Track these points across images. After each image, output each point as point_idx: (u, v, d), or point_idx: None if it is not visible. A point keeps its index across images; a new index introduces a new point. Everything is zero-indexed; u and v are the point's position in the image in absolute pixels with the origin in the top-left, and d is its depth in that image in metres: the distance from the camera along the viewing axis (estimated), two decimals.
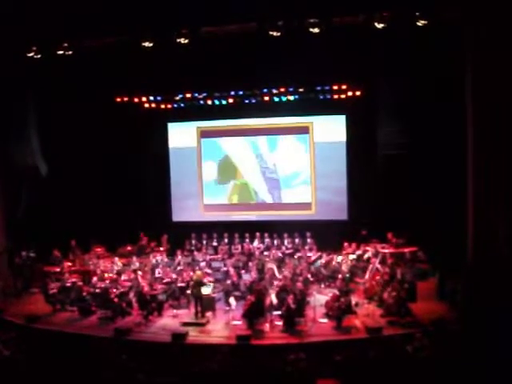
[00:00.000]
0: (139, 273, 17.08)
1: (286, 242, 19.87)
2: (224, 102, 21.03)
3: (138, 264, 18.24)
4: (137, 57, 16.48)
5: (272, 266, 17.18)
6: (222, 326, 14.44)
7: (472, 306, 13.18)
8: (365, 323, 13.80)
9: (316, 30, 14.47)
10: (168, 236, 20.85)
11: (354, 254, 17.96)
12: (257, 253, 18.97)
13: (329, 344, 12.87)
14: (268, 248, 19.46)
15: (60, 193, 20.07)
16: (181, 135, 22.70)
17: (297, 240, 19.80)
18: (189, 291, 15.71)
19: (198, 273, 15.85)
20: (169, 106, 21.71)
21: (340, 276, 15.93)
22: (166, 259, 18.82)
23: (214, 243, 20.51)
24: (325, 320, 14.28)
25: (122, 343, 13.51)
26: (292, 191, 21.91)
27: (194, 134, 22.52)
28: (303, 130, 21.56)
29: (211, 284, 16.07)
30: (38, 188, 20.01)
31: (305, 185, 21.73)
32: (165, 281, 16.50)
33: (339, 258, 17.59)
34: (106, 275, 17.13)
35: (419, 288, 15.03)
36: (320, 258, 17.95)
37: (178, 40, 15.11)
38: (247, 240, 20.05)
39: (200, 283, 15.17)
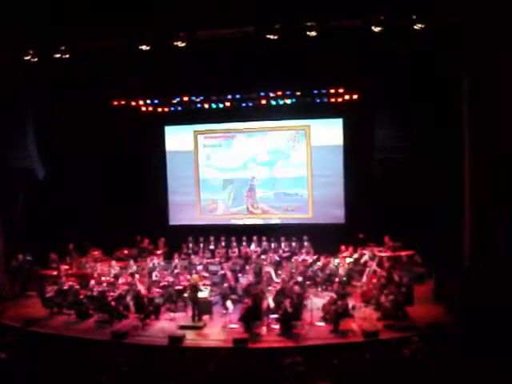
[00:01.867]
0: (136, 276, 17.10)
1: (283, 245, 19.87)
2: (221, 106, 21.02)
3: (135, 267, 18.25)
4: (134, 60, 16.46)
5: (269, 269, 17.20)
6: (219, 329, 14.45)
7: (470, 309, 13.19)
8: (362, 327, 13.81)
9: (313, 34, 14.48)
10: (165, 239, 20.85)
11: (350, 257, 17.99)
12: (254, 256, 18.98)
13: (326, 347, 12.89)
14: (265, 251, 19.45)
15: (57, 196, 20.06)
16: (178, 139, 22.71)
17: (294, 243, 19.81)
18: (186, 294, 15.73)
19: (195, 276, 15.88)
20: (166, 110, 21.69)
21: (337, 279, 15.95)
22: (163, 262, 18.84)
23: (211, 246, 20.51)
24: (322, 323, 14.29)
25: (119, 346, 13.50)
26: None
27: (191, 138, 22.53)
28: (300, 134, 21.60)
29: (208, 287, 16.09)
30: (35, 191, 19.99)
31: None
32: (162, 284, 16.49)
33: (336, 262, 17.61)
34: (103, 278, 17.14)
35: (416, 291, 15.03)
36: (317, 261, 17.97)
37: (175, 43, 15.11)
38: (244, 243, 20.05)
39: (196, 287, 15.18)
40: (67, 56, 15.87)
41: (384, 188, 19.19)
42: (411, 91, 17.78)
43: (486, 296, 13.01)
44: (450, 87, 15.21)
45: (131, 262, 18.53)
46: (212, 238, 20.81)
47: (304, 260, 18.18)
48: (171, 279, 16.77)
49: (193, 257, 19.34)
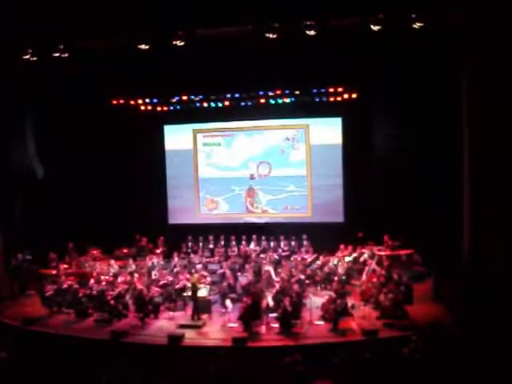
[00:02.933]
0: (135, 275, 17.09)
1: (282, 244, 19.88)
2: (220, 105, 21.02)
3: (134, 266, 18.26)
4: (133, 59, 16.44)
5: (268, 268, 17.20)
6: (219, 328, 14.45)
7: (469, 308, 13.19)
8: (361, 325, 13.82)
9: (312, 33, 14.47)
10: (164, 238, 20.84)
11: (350, 256, 17.99)
12: (253, 255, 18.99)
13: (325, 346, 12.87)
14: (264, 250, 19.46)
15: (56, 195, 20.05)
16: (177, 137, 22.69)
17: (293, 242, 19.81)
18: (185, 294, 15.76)
19: (195, 275, 15.90)
20: (165, 109, 21.69)
21: (336, 278, 15.97)
22: (162, 261, 18.83)
23: (211, 245, 20.51)
24: (321, 322, 14.32)
25: (118, 345, 13.50)
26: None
27: (190, 137, 22.52)
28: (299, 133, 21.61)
29: (207, 286, 16.10)
30: (34, 191, 19.98)
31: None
32: (161, 283, 16.49)
33: (335, 261, 17.61)
34: (102, 277, 17.12)
35: (415, 290, 15.05)
36: (316, 260, 17.98)
37: (175, 42, 15.10)
38: (244, 242, 20.05)
39: (195, 287, 15.19)
40: (66, 55, 15.86)
41: (383, 187, 19.20)
42: (410, 90, 17.78)
43: (485, 294, 13.01)
44: (449, 87, 15.20)
45: (130, 261, 18.53)
46: (211, 237, 20.80)
47: (303, 259, 18.20)
48: (170, 278, 16.77)
49: (192, 256, 19.36)
